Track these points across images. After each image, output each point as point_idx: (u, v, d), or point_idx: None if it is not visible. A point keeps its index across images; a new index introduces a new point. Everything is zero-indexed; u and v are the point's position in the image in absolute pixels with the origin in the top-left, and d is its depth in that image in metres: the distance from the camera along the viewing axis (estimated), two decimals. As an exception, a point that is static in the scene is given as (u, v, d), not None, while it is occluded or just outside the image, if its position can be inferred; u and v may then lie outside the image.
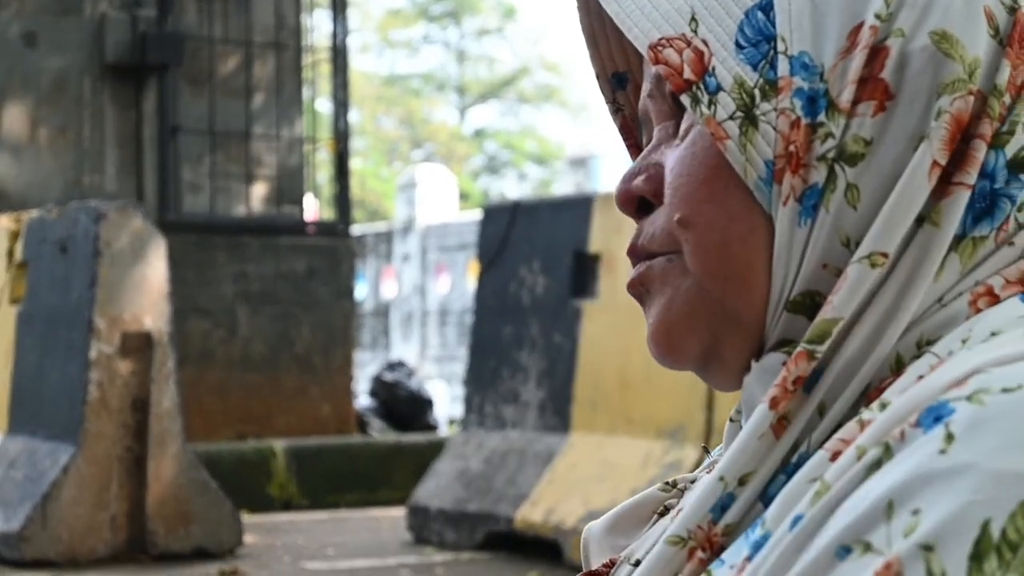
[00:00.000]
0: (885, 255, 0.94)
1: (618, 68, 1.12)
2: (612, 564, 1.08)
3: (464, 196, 34.75)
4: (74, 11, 10.27)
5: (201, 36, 10.54)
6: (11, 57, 10.14)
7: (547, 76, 46.17)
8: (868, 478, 0.86)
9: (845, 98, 0.95)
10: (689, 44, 0.97)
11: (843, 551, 0.84)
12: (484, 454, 7.43)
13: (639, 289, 1.03)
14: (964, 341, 0.92)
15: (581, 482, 6.76)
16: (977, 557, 0.80)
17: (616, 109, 1.13)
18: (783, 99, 0.95)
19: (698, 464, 1.12)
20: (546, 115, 55.38)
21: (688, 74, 0.97)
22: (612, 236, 7.07)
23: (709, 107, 0.96)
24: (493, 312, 7.65)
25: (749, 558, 0.91)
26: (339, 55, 11.10)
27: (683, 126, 1.00)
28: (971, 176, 0.94)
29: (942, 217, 0.94)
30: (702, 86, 0.96)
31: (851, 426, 0.90)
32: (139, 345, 6.96)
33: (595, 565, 1.10)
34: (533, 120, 47.27)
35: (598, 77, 1.12)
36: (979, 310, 0.94)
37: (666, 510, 1.08)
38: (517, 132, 45.63)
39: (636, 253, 1.03)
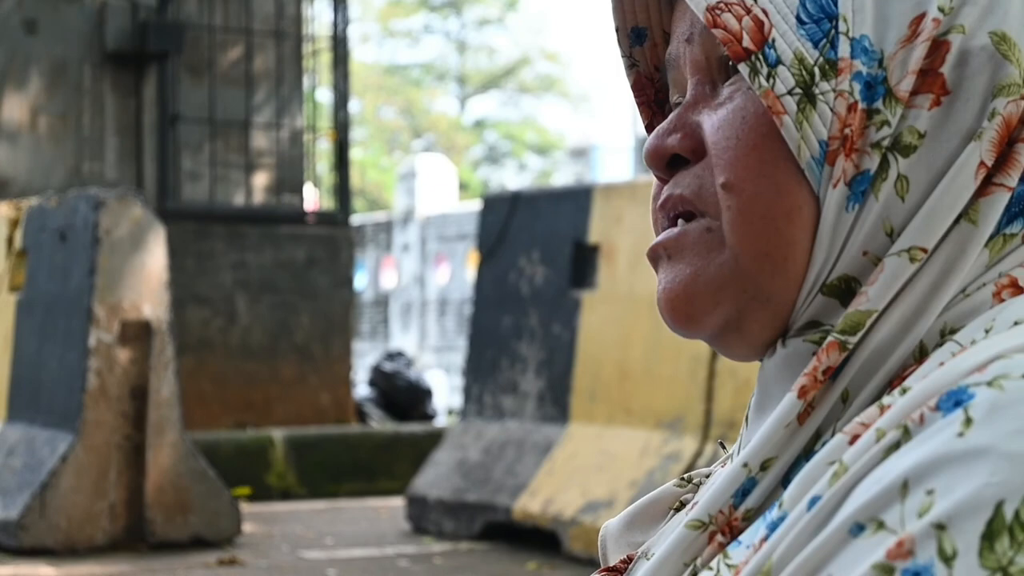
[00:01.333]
0: (925, 250, 0.95)
1: (639, 23, 1.11)
2: (630, 560, 1.09)
3: (464, 186, 34.74)
4: (74, -1, 10.26)
5: (201, 24, 10.53)
6: (12, 44, 10.13)
7: (548, 66, 46.16)
8: (886, 459, 0.86)
9: (904, 87, 0.95)
10: (749, 11, 0.97)
11: (857, 528, 0.85)
12: (483, 444, 7.43)
13: (662, 251, 1.02)
14: (987, 330, 0.93)
15: (580, 472, 6.76)
16: (989, 537, 0.81)
17: (631, 64, 1.12)
18: (842, 81, 0.95)
19: (711, 459, 1.12)
20: (546, 105, 55.34)
21: (747, 43, 0.96)
22: (612, 227, 7.06)
23: (768, 79, 0.96)
24: (492, 302, 7.64)
25: (766, 538, 0.91)
26: (340, 44, 11.09)
27: (727, 89, 1.00)
28: (1013, 179, 0.95)
29: (980, 216, 0.95)
30: (761, 57, 0.96)
31: (871, 410, 0.91)
32: (138, 333, 6.96)
33: (612, 562, 1.10)
34: (533, 110, 47.24)
35: (618, 30, 1.11)
36: (1003, 300, 0.95)
37: (682, 505, 1.09)
38: (517, 122, 45.61)
39: (669, 206, 1.02)
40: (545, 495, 6.83)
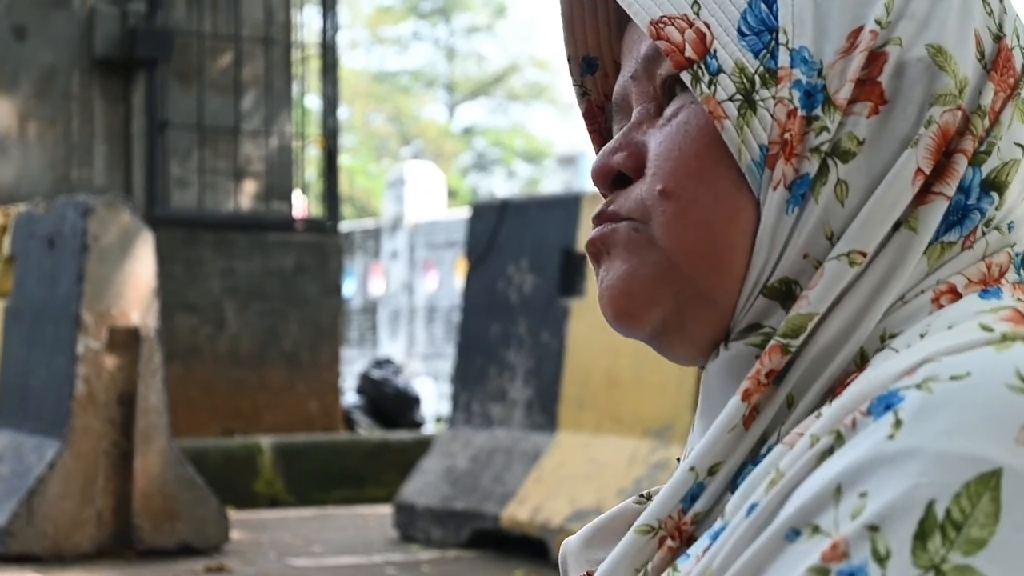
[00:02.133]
0: (864, 254, 0.97)
1: (590, 53, 1.14)
2: None
3: (452, 193, 34.74)
4: (64, 5, 10.26)
5: (190, 31, 10.53)
6: (1, 51, 10.12)
7: (537, 74, 46.18)
8: (820, 465, 0.88)
9: (842, 96, 0.98)
10: (691, 25, 0.99)
11: (793, 534, 0.86)
12: (471, 452, 7.43)
13: (599, 248, 1.04)
14: (922, 335, 0.94)
15: (568, 481, 6.76)
16: (921, 536, 0.82)
17: (583, 93, 1.15)
18: (782, 88, 0.98)
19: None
20: (535, 113, 55.39)
21: (690, 53, 0.99)
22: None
23: (709, 86, 0.98)
24: (481, 310, 7.65)
25: (708, 548, 0.93)
26: (329, 51, 11.09)
27: (670, 108, 1.02)
28: (950, 188, 0.97)
29: (919, 223, 0.97)
30: (703, 66, 0.99)
31: (809, 420, 0.92)
32: (126, 340, 6.95)
33: None
34: (522, 118, 47.27)
35: (569, 60, 1.14)
36: (941, 306, 0.96)
37: None
38: (506, 130, 45.63)
39: (602, 218, 1.04)
40: (533, 503, 6.83)
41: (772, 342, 0.97)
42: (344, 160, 34.82)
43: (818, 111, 0.97)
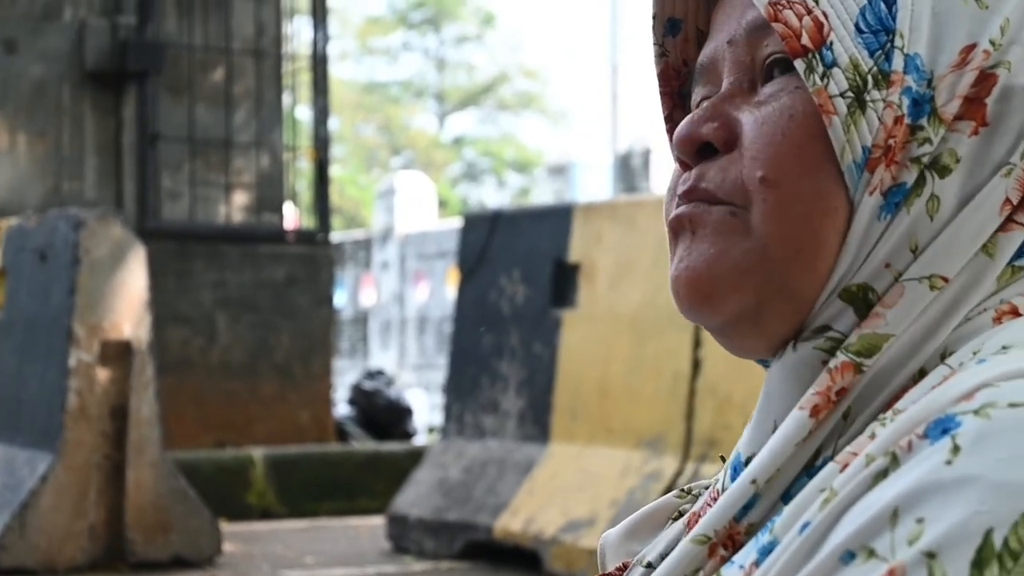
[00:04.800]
0: (946, 279, 0.97)
1: (675, 14, 1.13)
2: (625, 567, 1.10)
3: (443, 204, 34.74)
4: (54, 18, 10.26)
5: (181, 44, 10.53)
6: (-10, 64, 10.12)
7: (526, 83, 46.21)
8: (875, 486, 0.88)
9: (949, 111, 0.98)
10: (810, 12, 0.99)
11: (848, 556, 0.86)
12: (463, 463, 7.43)
13: (683, 224, 1.03)
14: (975, 353, 0.94)
15: (560, 492, 6.77)
16: (979, 564, 0.82)
17: (661, 53, 1.14)
18: (893, 92, 0.97)
19: (692, 478, 1.14)
20: (525, 122, 55.43)
21: (806, 40, 0.98)
22: (592, 245, 7.08)
23: (823, 79, 0.98)
24: (473, 321, 7.65)
25: (757, 563, 0.93)
26: (320, 63, 11.10)
27: (769, 88, 1.01)
28: None
29: (997, 250, 0.98)
30: (818, 56, 0.98)
31: (862, 439, 0.92)
32: (118, 353, 6.95)
33: (610, 569, 1.12)
34: (512, 127, 47.28)
35: (655, 18, 1.13)
36: (1001, 325, 0.97)
37: (680, 515, 1.10)
38: (496, 139, 45.64)
39: (695, 195, 1.02)
40: (526, 514, 6.83)
41: (845, 358, 0.97)
42: (334, 171, 34.82)
43: (923, 121, 0.97)
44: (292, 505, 8.89)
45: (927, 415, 0.89)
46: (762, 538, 0.94)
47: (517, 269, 7.43)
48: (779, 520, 0.93)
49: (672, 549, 1.03)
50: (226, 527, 7.79)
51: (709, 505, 1.05)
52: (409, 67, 51.71)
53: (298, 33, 11.62)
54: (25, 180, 10.20)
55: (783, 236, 0.98)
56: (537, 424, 7.18)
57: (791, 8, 0.99)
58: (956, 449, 0.85)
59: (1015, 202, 0.98)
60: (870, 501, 0.87)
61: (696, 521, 1.03)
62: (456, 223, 18.60)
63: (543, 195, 29.32)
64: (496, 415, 7.40)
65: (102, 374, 6.91)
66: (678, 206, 1.04)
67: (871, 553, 0.85)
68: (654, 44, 1.13)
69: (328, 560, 7.25)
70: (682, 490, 1.12)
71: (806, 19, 0.98)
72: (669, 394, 6.53)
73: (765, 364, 1.05)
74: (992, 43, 0.98)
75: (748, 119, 1.01)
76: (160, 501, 6.96)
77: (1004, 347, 0.94)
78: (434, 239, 20.89)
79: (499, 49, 49.28)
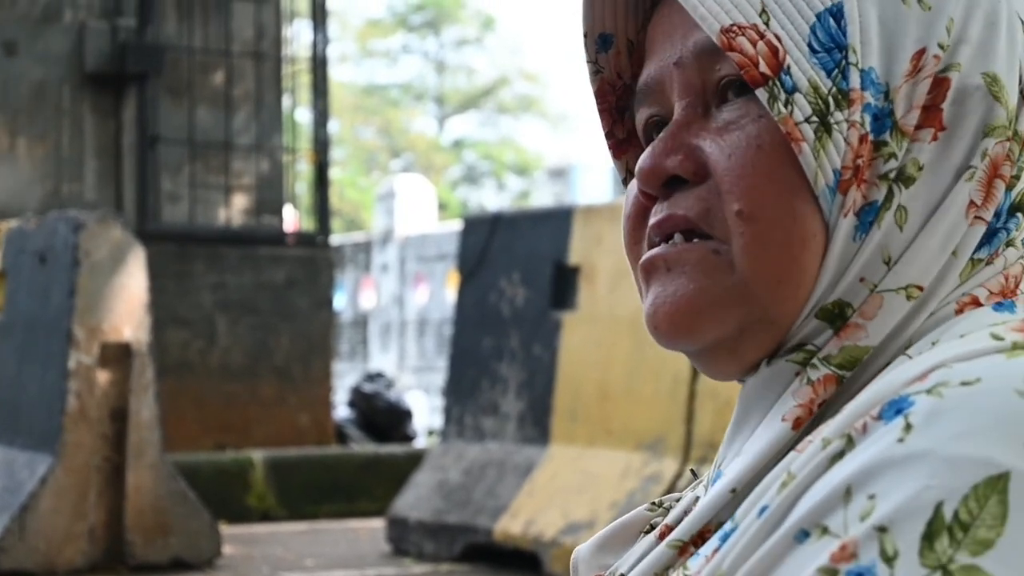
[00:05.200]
0: (921, 288, 0.98)
1: (606, 29, 1.11)
2: None
3: (443, 206, 34.74)
4: (54, 20, 10.26)
5: (181, 46, 10.53)
6: (-10, 66, 10.12)
7: (526, 86, 46.21)
8: (831, 468, 0.89)
9: (909, 122, 0.97)
10: (762, 36, 0.98)
11: (802, 535, 0.87)
12: (463, 465, 7.43)
13: (658, 264, 1.02)
14: (934, 343, 0.95)
15: (560, 494, 6.76)
16: (929, 537, 0.83)
17: (596, 70, 1.13)
18: (854, 111, 0.97)
19: (678, 480, 1.14)
20: (525, 125, 55.42)
21: (764, 68, 0.97)
22: (592, 248, 7.08)
23: (786, 106, 0.97)
24: (473, 323, 7.65)
25: (718, 549, 0.94)
26: (319, 66, 11.09)
27: (727, 113, 1.00)
28: (990, 213, 0.99)
29: (961, 248, 0.98)
30: (779, 83, 0.97)
31: (822, 427, 0.93)
32: (118, 355, 6.95)
33: None
34: (512, 130, 47.30)
35: (585, 35, 1.12)
36: (962, 315, 0.98)
37: (651, 528, 1.10)
38: (496, 142, 45.65)
39: (671, 224, 1.02)
40: (526, 516, 6.83)
41: (827, 371, 0.97)
42: (334, 173, 34.84)
43: (886, 136, 0.97)
44: (292, 507, 8.89)
45: (882, 397, 0.90)
46: (726, 527, 0.95)
47: (517, 271, 7.43)
48: (741, 507, 0.94)
49: (646, 557, 1.03)
50: (226, 529, 7.79)
51: (687, 516, 1.05)
52: (409, 70, 51.74)
53: (298, 36, 11.65)
54: (25, 182, 10.19)
55: (765, 268, 0.98)
56: (537, 426, 7.17)
57: (743, 34, 0.97)
58: (908, 427, 0.86)
59: (979, 203, 0.98)
60: (825, 481, 0.88)
61: (667, 532, 1.03)
62: (456, 226, 18.61)
63: (543, 198, 29.32)
64: (496, 417, 7.40)
65: (102, 376, 6.91)
66: (651, 243, 1.03)
67: (824, 530, 0.86)
68: (588, 62, 1.12)
69: (328, 562, 7.25)
70: (653, 503, 1.13)
71: (760, 44, 0.97)
72: (669, 396, 6.53)
73: (741, 380, 1.05)
74: (940, 45, 0.98)
75: (713, 149, 1.00)
76: (160, 503, 6.96)
77: (961, 335, 0.95)
78: (434, 242, 20.89)
79: (499, 52, 49.32)
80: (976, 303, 0.98)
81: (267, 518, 8.79)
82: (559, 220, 7.35)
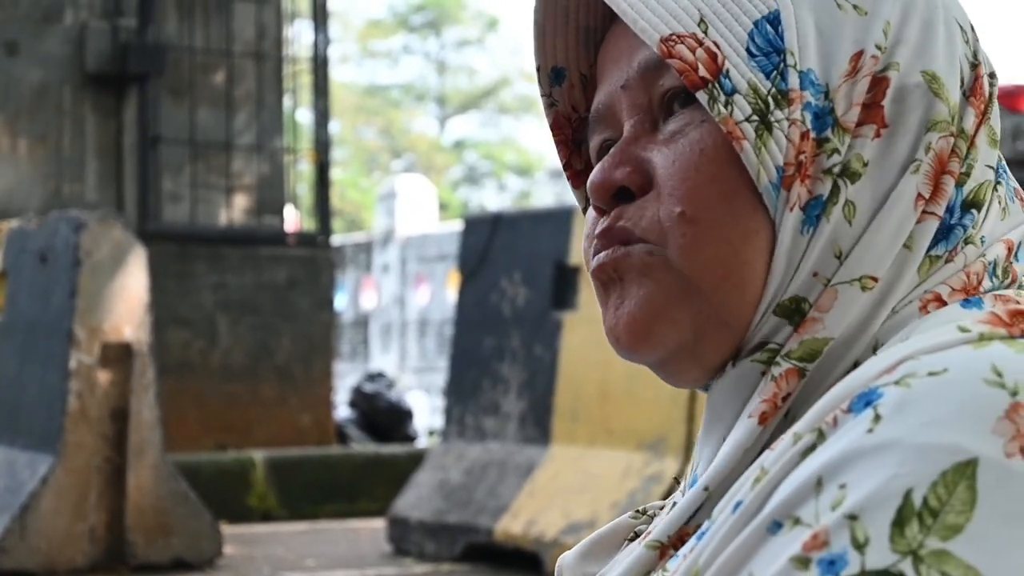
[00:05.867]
0: (875, 279, 0.99)
1: (558, 63, 1.14)
2: None
3: (444, 207, 34.74)
4: (55, 21, 10.26)
5: (182, 46, 10.53)
6: (-9, 66, 10.12)
7: (527, 87, 46.21)
8: (802, 461, 0.90)
9: (850, 119, 1.00)
10: (701, 44, 1.00)
11: (775, 526, 0.89)
12: (464, 465, 7.43)
13: (609, 274, 1.04)
14: (903, 343, 0.97)
15: (561, 494, 6.76)
16: (899, 523, 0.85)
17: (551, 103, 1.15)
18: (795, 110, 0.99)
19: (682, 475, 1.15)
20: (526, 126, 55.38)
21: (703, 72, 1.00)
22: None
23: (726, 107, 0.99)
24: (474, 323, 7.65)
25: (695, 548, 0.95)
26: (320, 66, 11.10)
27: (673, 124, 1.03)
28: (941, 208, 1.01)
29: (914, 241, 1.00)
30: (718, 86, 1.00)
31: (795, 424, 0.94)
32: (119, 355, 6.95)
33: None
34: (513, 131, 47.33)
35: (539, 70, 1.14)
36: (928, 313, 1.00)
37: (636, 536, 1.11)
38: (497, 143, 45.66)
39: (611, 236, 1.04)
40: (527, 516, 6.83)
41: (788, 365, 0.99)
42: (335, 174, 34.83)
43: (828, 133, 1.00)
44: (293, 507, 8.89)
45: (851, 391, 0.91)
46: (703, 526, 0.96)
47: (518, 271, 7.43)
48: (717, 506, 0.95)
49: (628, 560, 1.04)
50: (227, 529, 7.79)
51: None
52: (410, 70, 51.76)
53: (299, 36, 11.63)
54: (26, 182, 10.20)
55: (706, 267, 1.00)
56: (538, 426, 7.18)
57: (683, 43, 1.00)
58: (877, 418, 0.88)
59: (927, 196, 1.00)
60: (797, 474, 0.90)
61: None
62: (457, 226, 18.61)
63: (544, 198, 29.34)
64: (497, 417, 7.40)
65: (103, 376, 6.91)
66: (596, 252, 1.05)
67: (797, 521, 0.88)
68: (542, 95, 1.15)
69: (329, 562, 7.25)
70: (637, 511, 1.14)
71: (699, 51, 1.00)
72: (670, 397, 6.53)
73: (705, 389, 1.06)
74: (878, 47, 1.00)
75: (659, 158, 1.02)
76: (161, 503, 6.96)
77: (929, 331, 0.97)
78: (435, 242, 20.89)
79: (500, 53, 49.32)
80: (940, 300, 1.00)
81: (268, 518, 8.79)
82: (560, 220, 7.35)
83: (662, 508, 1.12)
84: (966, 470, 0.85)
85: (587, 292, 7.10)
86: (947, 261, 1.01)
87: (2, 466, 7.14)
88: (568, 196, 25.94)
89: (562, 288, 7.23)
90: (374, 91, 45.37)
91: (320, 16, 11.14)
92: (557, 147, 1.16)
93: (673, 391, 6.52)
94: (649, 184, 1.02)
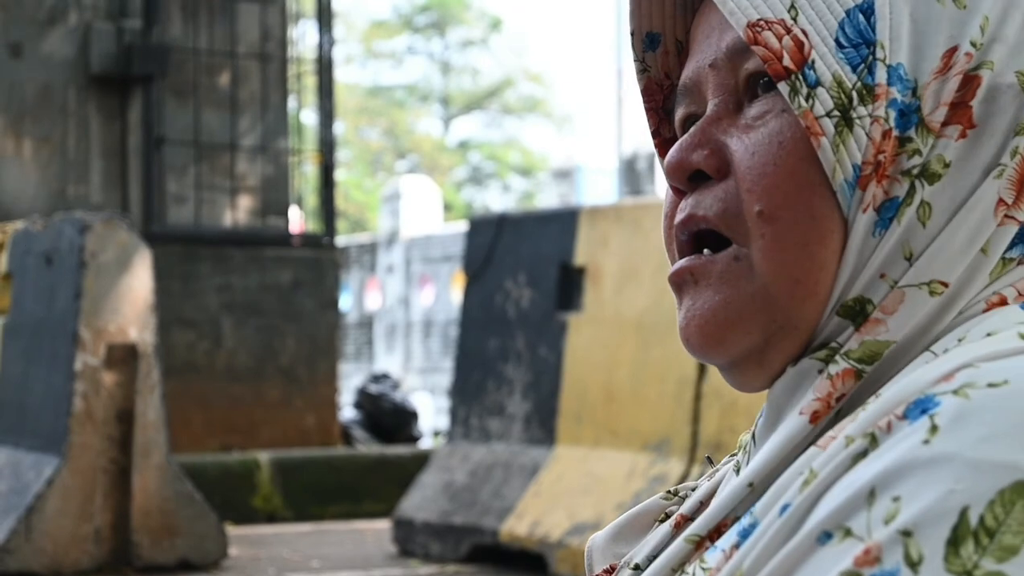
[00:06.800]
0: (946, 284, 0.97)
1: (653, 29, 1.12)
2: (612, 569, 1.10)
3: (448, 207, 34.75)
4: (59, 22, 10.26)
5: (187, 47, 10.54)
6: (-4, 68, 10.13)
7: (531, 87, 46.22)
8: (854, 467, 0.88)
9: (936, 118, 0.97)
10: (789, 31, 0.98)
11: (825, 536, 0.86)
12: (469, 467, 7.43)
13: (686, 278, 1.02)
14: (960, 340, 0.94)
15: (566, 495, 6.76)
16: (955, 542, 0.82)
17: (643, 69, 1.13)
18: (879, 107, 0.96)
19: (684, 482, 1.14)
20: (530, 126, 55.47)
21: (788, 62, 0.97)
22: (598, 249, 7.08)
23: (807, 100, 0.97)
24: (478, 324, 7.65)
25: (737, 544, 0.93)
26: (325, 67, 11.10)
27: (755, 109, 1.01)
28: (1022, 213, 0.98)
29: (991, 247, 0.97)
30: (801, 77, 0.97)
31: (844, 422, 0.92)
32: (124, 356, 6.95)
33: (598, 571, 1.12)
34: (517, 131, 47.30)
35: (633, 34, 1.12)
36: (987, 314, 0.97)
37: (667, 517, 1.10)
38: (501, 143, 45.66)
39: (692, 224, 1.02)
40: (532, 517, 6.83)
41: (846, 365, 0.96)
42: (339, 175, 34.85)
43: (911, 132, 0.97)
44: (298, 509, 8.89)
45: (907, 396, 0.89)
46: (744, 521, 0.94)
47: (523, 273, 7.43)
48: (760, 503, 0.93)
49: (660, 551, 1.03)
50: (232, 531, 7.79)
51: (702, 506, 1.04)
52: (414, 71, 51.76)
53: (303, 37, 11.63)
54: (31, 184, 10.20)
55: (784, 269, 0.97)
56: (543, 427, 7.18)
57: (770, 29, 0.98)
58: (934, 428, 0.85)
59: (1009, 202, 0.97)
60: (848, 481, 0.87)
61: (682, 522, 1.03)
62: (461, 227, 18.62)
63: (548, 199, 29.32)
64: (502, 418, 7.40)
65: (108, 378, 6.92)
66: (677, 240, 1.03)
67: (847, 532, 0.85)
68: (635, 60, 1.13)
69: (334, 564, 7.25)
70: (669, 492, 1.13)
71: (786, 39, 0.97)
72: (675, 397, 6.53)
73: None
74: (973, 44, 0.97)
75: (738, 146, 1.00)
76: (166, 505, 6.96)
77: (988, 333, 0.94)
78: (439, 243, 20.89)
79: (504, 53, 49.32)
80: (1004, 302, 0.97)
81: (273, 519, 8.79)
82: (564, 221, 7.35)
83: (694, 489, 1.10)
84: None
85: (592, 293, 7.10)
86: (1020, 263, 0.98)
87: (7, 467, 7.14)
88: (572, 197, 25.91)
89: (567, 289, 7.23)
90: (378, 92, 45.37)
91: (324, 17, 11.15)
92: (647, 114, 1.13)
93: (678, 392, 6.52)
94: (726, 169, 1.00)
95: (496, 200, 44.43)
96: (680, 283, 1.03)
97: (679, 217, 1.03)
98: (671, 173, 1.03)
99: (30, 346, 7.31)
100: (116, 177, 10.38)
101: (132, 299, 7.00)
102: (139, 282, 7.03)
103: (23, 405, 7.28)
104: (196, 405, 9.88)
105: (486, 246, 7.65)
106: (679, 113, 1.08)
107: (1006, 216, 0.97)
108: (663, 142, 1.13)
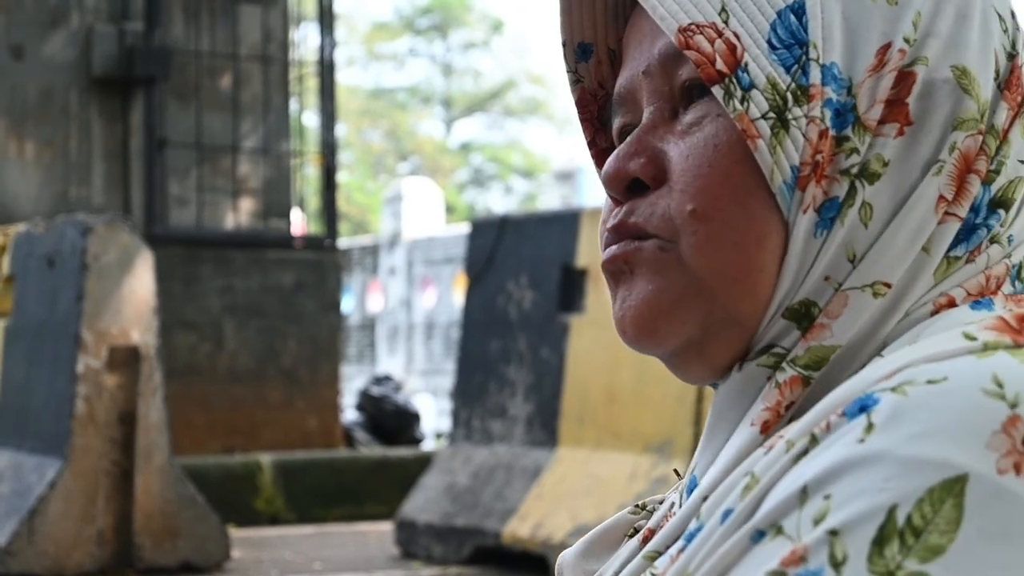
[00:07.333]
0: (888, 285, 0.95)
1: (584, 39, 1.10)
2: None
3: (450, 209, 34.76)
4: (61, 24, 10.27)
5: (188, 49, 10.54)
6: (-2, 70, 10.13)
7: (533, 89, 46.23)
8: (794, 467, 0.88)
9: (873, 116, 0.96)
10: (721, 35, 0.97)
11: (758, 535, 0.86)
12: (471, 468, 7.43)
13: (619, 266, 1.02)
14: (911, 344, 0.93)
15: (569, 497, 6.76)
16: (879, 542, 0.82)
17: (576, 80, 1.12)
18: (814, 107, 0.95)
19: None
20: (532, 128, 55.46)
21: (721, 65, 0.96)
22: (599, 251, 7.07)
23: (742, 103, 0.96)
24: (481, 326, 7.65)
25: (683, 549, 0.93)
26: (327, 69, 11.10)
27: (690, 115, 0.99)
28: (964, 209, 0.96)
29: (933, 245, 0.96)
30: (735, 80, 0.96)
31: (791, 425, 0.92)
32: (126, 359, 6.95)
33: None
34: (519, 133, 47.32)
35: (564, 45, 1.11)
36: (936, 317, 0.96)
37: (635, 532, 1.09)
38: (503, 145, 45.67)
39: (624, 230, 1.01)
40: (534, 519, 6.83)
41: (793, 372, 0.95)
42: (341, 177, 34.85)
43: (848, 131, 0.96)
44: (300, 511, 8.89)
45: (849, 396, 0.88)
46: (691, 525, 0.94)
47: (524, 274, 7.43)
48: (705, 506, 0.93)
49: (626, 566, 1.02)
50: (234, 533, 7.79)
51: (665, 522, 1.04)
52: (416, 73, 51.76)
53: (305, 39, 11.63)
54: (33, 186, 10.21)
55: (717, 266, 0.96)
56: (545, 429, 7.17)
57: (702, 33, 0.96)
58: (870, 427, 0.85)
59: (950, 198, 0.96)
60: (788, 481, 0.87)
61: (650, 536, 1.02)
62: (463, 228, 18.62)
63: (550, 200, 29.33)
64: (504, 420, 7.40)
65: (110, 380, 6.92)
66: (608, 245, 1.03)
67: (779, 531, 0.85)
68: (567, 71, 1.11)
69: (336, 566, 7.25)
70: (636, 506, 1.12)
71: (718, 43, 0.96)
72: (676, 399, 6.53)
73: (715, 387, 1.04)
74: (906, 40, 0.96)
75: (675, 151, 0.99)
76: (168, 507, 6.96)
77: (934, 336, 0.93)
78: (441, 245, 20.90)
79: (506, 55, 49.33)
80: (952, 304, 0.96)
81: (275, 521, 8.79)
82: (566, 223, 7.35)
83: (661, 503, 1.10)
84: (954, 487, 0.82)
85: (594, 295, 7.10)
86: (967, 262, 0.97)
87: (10, 470, 7.14)
88: (574, 199, 25.92)
89: (569, 291, 7.23)
90: (380, 94, 45.38)
91: (326, 19, 11.15)
92: (582, 124, 1.12)
93: (680, 394, 6.51)
94: (663, 176, 0.99)
95: (498, 202, 44.44)
96: (615, 272, 1.02)
97: (611, 223, 1.02)
98: (609, 183, 1.02)
99: (32, 348, 7.31)
100: (118, 179, 10.38)
101: (134, 301, 7.01)
102: (141, 284, 7.03)
103: (25, 407, 7.29)
104: (198, 407, 9.88)
105: (488, 248, 7.65)
106: (616, 123, 1.07)
107: (947, 213, 0.96)
108: (599, 152, 1.12)
